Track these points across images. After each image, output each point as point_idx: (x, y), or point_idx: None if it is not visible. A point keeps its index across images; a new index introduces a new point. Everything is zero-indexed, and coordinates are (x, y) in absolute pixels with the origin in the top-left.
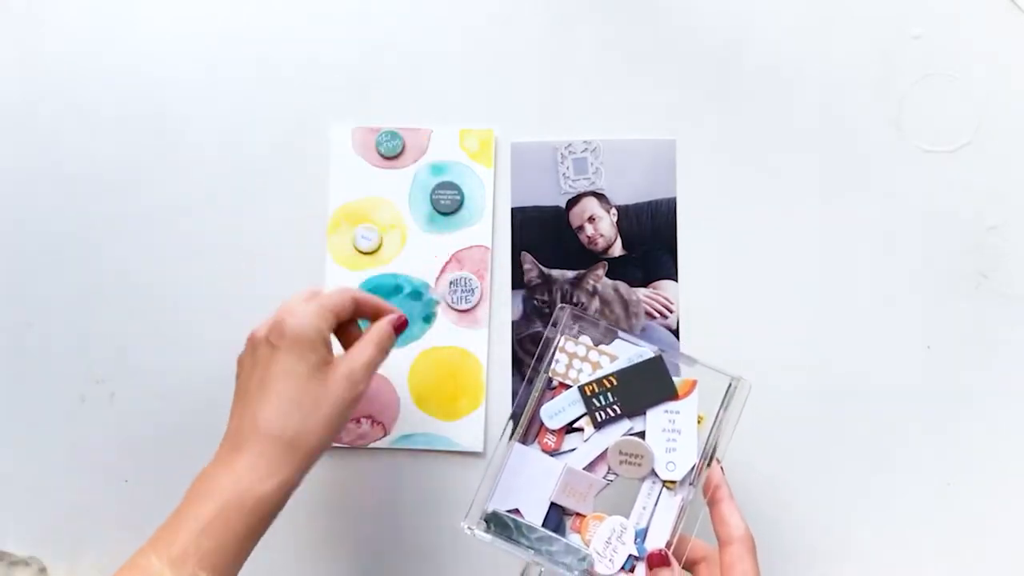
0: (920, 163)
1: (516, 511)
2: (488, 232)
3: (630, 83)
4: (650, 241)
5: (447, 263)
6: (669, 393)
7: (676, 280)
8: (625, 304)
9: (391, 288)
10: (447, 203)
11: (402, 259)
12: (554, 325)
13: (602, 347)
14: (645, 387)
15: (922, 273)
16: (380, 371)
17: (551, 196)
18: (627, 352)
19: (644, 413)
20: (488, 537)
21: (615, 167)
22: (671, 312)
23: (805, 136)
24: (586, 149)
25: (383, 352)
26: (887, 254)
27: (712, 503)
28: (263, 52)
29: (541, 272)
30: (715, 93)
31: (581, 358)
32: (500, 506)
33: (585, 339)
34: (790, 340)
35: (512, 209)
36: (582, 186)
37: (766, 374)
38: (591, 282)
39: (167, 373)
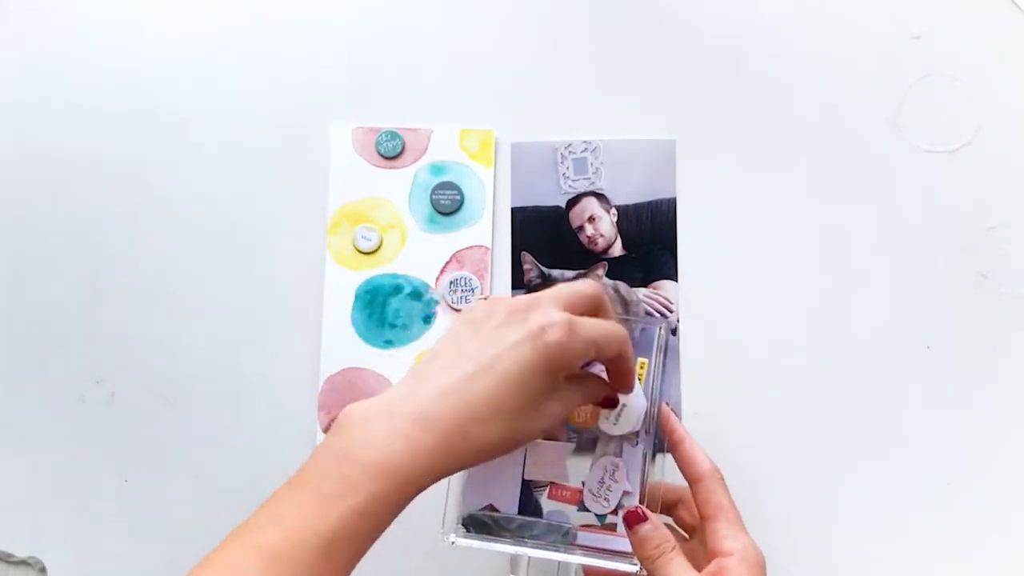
0: (920, 163)
1: (490, 507)
2: (488, 232)
3: (630, 83)
4: (650, 241)
5: (447, 263)
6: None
7: (676, 280)
8: (625, 304)
9: (391, 288)
10: (447, 203)
11: (402, 259)
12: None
13: None
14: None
15: (922, 273)
16: (380, 371)
17: (551, 196)
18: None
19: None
20: (469, 542)
21: (615, 167)
22: (671, 312)
23: (805, 136)
24: (586, 149)
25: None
26: (887, 254)
27: (673, 447)
28: (263, 52)
29: (541, 272)
30: (715, 93)
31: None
32: (473, 506)
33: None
34: (790, 340)
35: (512, 209)
36: (582, 186)
37: (766, 374)
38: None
39: (167, 373)
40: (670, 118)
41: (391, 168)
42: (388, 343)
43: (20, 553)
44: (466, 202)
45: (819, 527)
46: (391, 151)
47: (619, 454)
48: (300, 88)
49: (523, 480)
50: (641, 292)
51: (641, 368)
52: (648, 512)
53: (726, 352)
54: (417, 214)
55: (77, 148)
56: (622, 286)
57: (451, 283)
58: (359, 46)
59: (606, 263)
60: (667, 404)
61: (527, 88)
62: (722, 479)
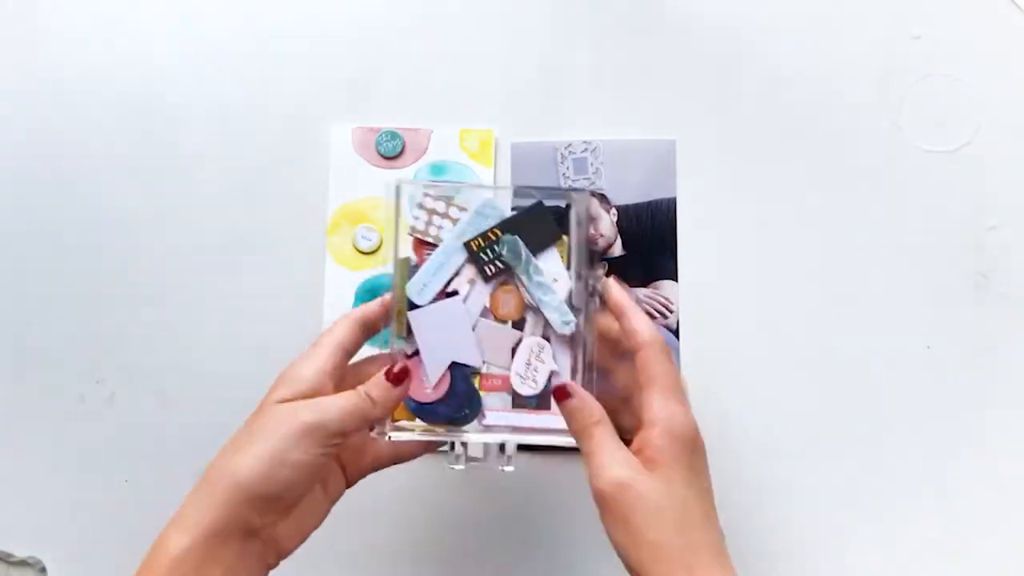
0: (920, 163)
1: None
2: None
3: (630, 83)
4: (650, 241)
5: None
6: (555, 235)
7: (676, 280)
8: None
9: (390, 288)
10: None
11: None
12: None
13: (457, 201)
14: (531, 234)
15: (922, 273)
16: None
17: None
18: (477, 199)
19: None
20: (403, 435)
21: (615, 167)
22: (671, 312)
23: (805, 136)
24: (586, 149)
25: (371, 402)
26: (887, 254)
27: (617, 320)
28: (263, 52)
29: None
30: (715, 93)
31: (441, 214)
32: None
33: (440, 201)
34: (790, 340)
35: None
36: (582, 186)
37: (766, 374)
38: (590, 282)
39: (167, 373)
40: (670, 118)
41: (391, 168)
42: (388, 343)
43: (20, 553)
44: None
45: (819, 526)
46: (391, 151)
47: (546, 335)
48: (300, 88)
49: (452, 367)
50: (641, 292)
51: (562, 246)
52: (576, 388)
53: (726, 352)
54: None
55: (77, 148)
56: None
57: None
58: (359, 46)
59: (606, 263)
60: (607, 276)
61: (527, 88)
62: (663, 348)
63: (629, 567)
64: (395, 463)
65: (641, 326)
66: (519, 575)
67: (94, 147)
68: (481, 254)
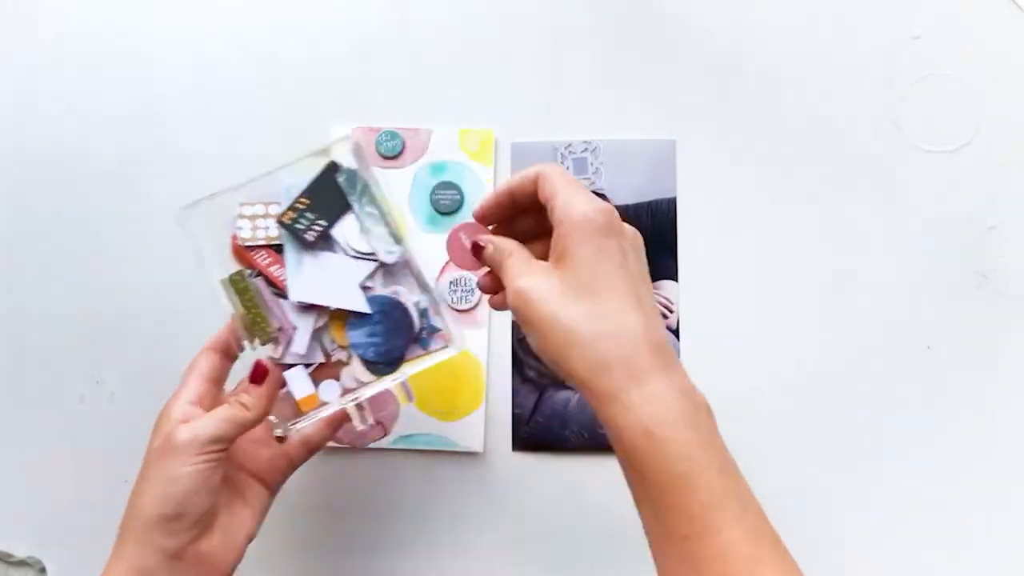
0: (920, 163)
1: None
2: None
3: (630, 83)
4: (650, 241)
5: (447, 263)
6: (354, 185)
7: (676, 280)
8: None
9: None
10: (447, 203)
11: None
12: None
13: (269, 201)
14: (334, 192)
15: (922, 273)
16: None
17: None
18: (274, 188)
19: (347, 213)
20: (300, 424)
21: (615, 167)
22: (671, 312)
23: (805, 136)
24: (586, 149)
25: (243, 407)
26: (887, 254)
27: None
28: (263, 52)
29: None
30: (715, 93)
31: (263, 216)
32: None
33: (257, 204)
34: (790, 340)
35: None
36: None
37: (766, 374)
38: None
39: (167, 373)
40: (670, 118)
41: (391, 168)
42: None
43: (20, 553)
44: (466, 202)
45: (819, 526)
46: (391, 151)
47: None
48: (300, 88)
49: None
50: None
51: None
52: (487, 237)
53: (726, 352)
54: (417, 214)
55: (77, 148)
56: None
57: (451, 283)
58: (359, 46)
59: None
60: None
61: (527, 88)
62: (553, 171)
63: (564, 377)
64: (311, 454)
65: (527, 171)
66: (519, 575)
67: (94, 147)
68: (296, 224)
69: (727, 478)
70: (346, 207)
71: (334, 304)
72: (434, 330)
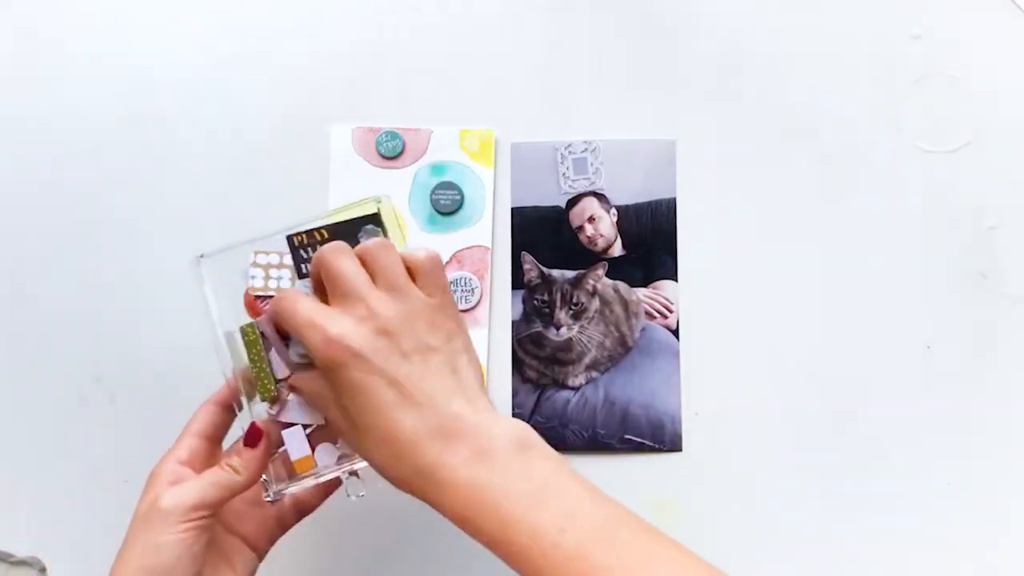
0: (920, 163)
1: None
2: (488, 232)
3: (630, 83)
4: (650, 241)
5: (447, 263)
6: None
7: (676, 280)
8: (625, 304)
9: None
10: (447, 203)
11: None
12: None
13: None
14: (354, 242)
15: (922, 273)
16: None
17: (551, 196)
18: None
19: None
20: (290, 487)
21: (615, 167)
22: (671, 312)
23: (805, 136)
24: (586, 149)
25: (233, 471)
26: (887, 254)
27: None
28: (263, 52)
29: (541, 272)
30: (715, 93)
31: (277, 265)
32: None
33: (273, 254)
34: (789, 340)
35: (512, 209)
36: (582, 186)
37: (765, 373)
38: (591, 282)
39: (167, 373)
40: (670, 118)
41: (391, 168)
42: None
43: (20, 553)
44: (466, 202)
45: (819, 526)
46: (391, 151)
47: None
48: (300, 88)
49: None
50: (641, 292)
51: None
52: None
53: (726, 352)
54: (417, 214)
55: (76, 148)
56: (622, 286)
57: (451, 283)
58: (359, 46)
59: (606, 263)
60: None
61: (527, 88)
62: (280, 308)
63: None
64: (302, 516)
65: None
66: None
67: (93, 147)
68: (301, 251)
69: (536, 509)
70: None
71: None
72: None
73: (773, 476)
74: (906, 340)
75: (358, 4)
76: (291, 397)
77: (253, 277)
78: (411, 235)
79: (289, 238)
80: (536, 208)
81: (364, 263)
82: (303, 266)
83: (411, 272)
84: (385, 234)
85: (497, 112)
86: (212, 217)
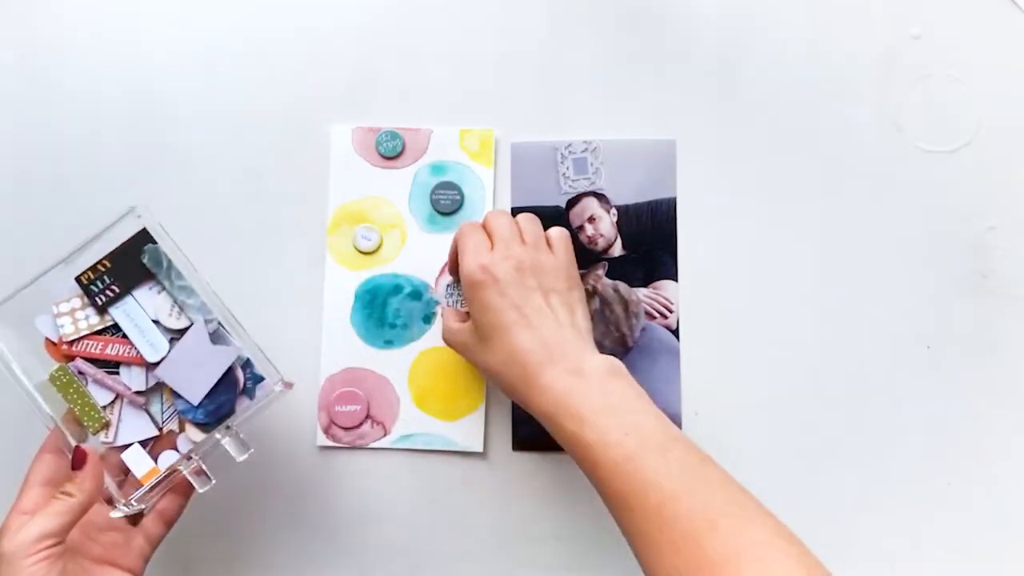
0: (920, 163)
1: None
2: None
3: (630, 83)
4: (650, 241)
5: (445, 265)
6: (159, 263)
7: (676, 280)
8: (625, 304)
9: (391, 288)
10: (447, 203)
11: (402, 259)
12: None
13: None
14: (136, 263)
15: (922, 273)
16: (380, 371)
17: (551, 196)
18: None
19: (144, 284)
20: (144, 489)
21: (615, 167)
22: (671, 312)
23: (805, 136)
24: (586, 149)
25: (68, 495)
26: (887, 254)
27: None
28: (263, 52)
29: None
30: (715, 93)
31: (82, 307)
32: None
33: (74, 299)
34: (789, 340)
35: (512, 209)
36: (582, 186)
37: (765, 373)
38: (591, 282)
39: None
40: (670, 118)
41: (391, 168)
42: (388, 343)
43: None
44: (466, 202)
45: (819, 526)
46: (391, 151)
47: None
48: (300, 88)
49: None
50: (641, 292)
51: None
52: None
53: (726, 352)
54: (417, 214)
55: (77, 148)
56: (622, 286)
57: (448, 285)
58: (359, 46)
59: (606, 263)
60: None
61: (527, 88)
62: (460, 231)
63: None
64: (168, 527)
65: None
66: (519, 575)
67: (93, 147)
68: (91, 286)
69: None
70: (145, 277)
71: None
72: (259, 379)
73: (773, 476)
74: (906, 340)
75: (358, 4)
76: (121, 420)
77: (62, 326)
78: (411, 235)
79: (78, 279)
80: (536, 208)
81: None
82: (97, 299)
83: (547, 241)
84: (163, 256)
85: (497, 112)
86: (213, 217)
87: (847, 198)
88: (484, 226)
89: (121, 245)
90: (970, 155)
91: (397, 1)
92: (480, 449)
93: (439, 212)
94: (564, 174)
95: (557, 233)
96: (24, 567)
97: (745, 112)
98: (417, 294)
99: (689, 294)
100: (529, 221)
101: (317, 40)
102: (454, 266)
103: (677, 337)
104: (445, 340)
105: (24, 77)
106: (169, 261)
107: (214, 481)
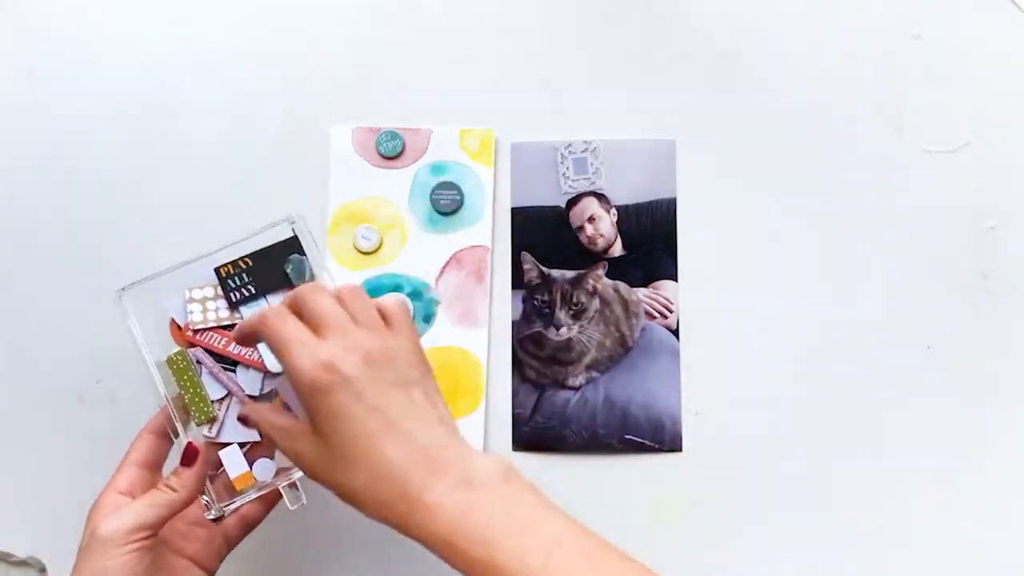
0: (920, 163)
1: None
2: (488, 232)
3: (630, 83)
4: (650, 241)
5: (447, 263)
6: (302, 275)
7: (676, 280)
8: (625, 304)
9: (391, 288)
10: (447, 203)
11: (402, 259)
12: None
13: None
14: (279, 269)
15: (922, 273)
16: None
17: (551, 196)
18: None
19: (280, 291)
20: (232, 504)
21: (615, 167)
22: (671, 312)
23: (805, 136)
24: (586, 149)
25: (172, 490)
26: (887, 254)
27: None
28: (263, 52)
29: (541, 272)
30: (715, 93)
31: (212, 298)
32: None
33: (207, 287)
34: (790, 340)
35: (512, 209)
36: (582, 186)
37: (765, 374)
38: (591, 282)
39: None
40: (670, 118)
41: (391, 168)
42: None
43: (20, 553)
44: (466, 202)
45: (818, 526)
46: (391, 151)
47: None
48: (300, 88)
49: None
50: (641, 292)
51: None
52: (251, 407)
53: (726, 352)
54: (417, 214)
55: (77, 148)
56: (622, 286)
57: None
58: (359, 46)
59: (606, 263)
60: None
61: (527, 88)
62: (263, 324)
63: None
64: (248, 531)
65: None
66: None
67: (94, 147)
68: (229, 280)
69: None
70: (284, 285)
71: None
72: None
73: (773, 476)
74: (906, 340)
75: (358, 4)
76: (227, 417)
77: (191, 312)
78: (411, 235)
79: (217, 270)
80: (536, 208)
81: (340, 304)
82: (232, 295)
83: (382, 315)
84: (305, 255)
85: (497, 112)
86: (213, 217)
87: (847, 198)
88: (293, 309)
89: (266, 247)
90: (970, 155)
91: (398, 1)
92: (480, 449)
93: (439, 212)
94: (564, 174)
95: (393, 303)
96: (117, 555)
97: (745, 112)
98: (417, 294)
99: (689, 294)
100: (356, 296)
101: (317, 40)
102: (247, 339)
103: (677, 337)
104: (280, 448)
105: (25, 77)
106: (313, 276)
107: (304, 500)
